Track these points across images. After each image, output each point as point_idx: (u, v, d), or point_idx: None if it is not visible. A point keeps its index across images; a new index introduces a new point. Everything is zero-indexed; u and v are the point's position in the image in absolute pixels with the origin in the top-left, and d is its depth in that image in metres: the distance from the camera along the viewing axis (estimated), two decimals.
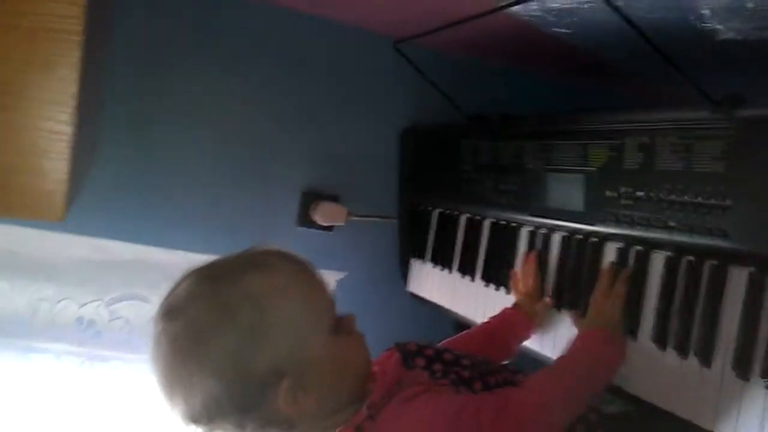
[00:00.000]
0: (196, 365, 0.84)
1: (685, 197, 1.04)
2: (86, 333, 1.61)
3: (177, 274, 0.93)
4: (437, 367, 1.05)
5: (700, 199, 1.02)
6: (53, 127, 0.98)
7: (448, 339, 1.33)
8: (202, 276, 0.90)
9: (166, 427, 1.90)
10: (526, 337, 1.35)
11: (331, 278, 1.82)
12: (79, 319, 1.60)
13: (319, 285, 0.94)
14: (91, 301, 1.60)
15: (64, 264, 1.56)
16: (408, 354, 1.06)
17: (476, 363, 1.09)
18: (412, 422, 0.92)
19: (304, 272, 0.94)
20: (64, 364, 1.65)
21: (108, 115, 1.57)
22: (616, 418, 1.23)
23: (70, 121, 0.97)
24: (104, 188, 1.56)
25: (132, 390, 1.74)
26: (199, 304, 0.86)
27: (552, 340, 1.33)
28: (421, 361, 1.05)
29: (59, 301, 1.58)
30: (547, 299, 1.33)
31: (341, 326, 0.94)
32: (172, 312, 0.87)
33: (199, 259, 0.95)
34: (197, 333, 0.85)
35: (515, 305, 1.37)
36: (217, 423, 0.87)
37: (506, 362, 1.29)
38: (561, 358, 1.11)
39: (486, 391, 1.03)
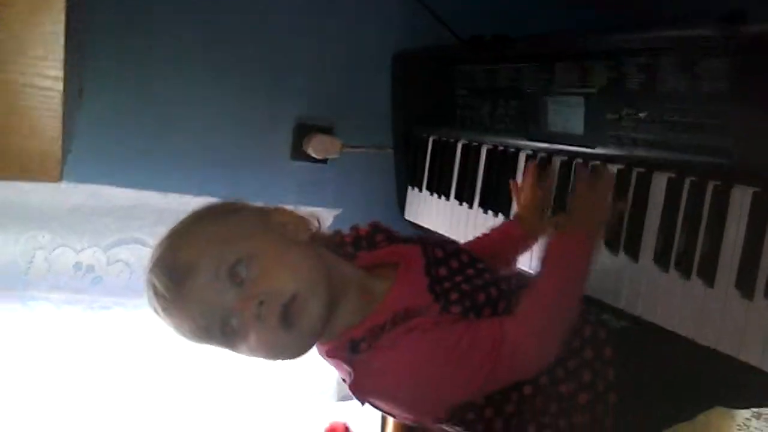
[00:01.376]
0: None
1: (689, 117, 1.02)
2: (85, 279, 1.60)
3: (172, 217, 0.95)
4: (459, 280, 1.05)
5: (703, 119, 1.00)
6: (42, 84, 0.93)
7: None
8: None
9: (170, 372, 1.94)
10: (526, 250, 1.33)
11: (327, 215, 1.81)
12: (77, 265, 1.60)
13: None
14: (88, 247, 1.59)
15: (58, 212, 1.54)
16: (433, 260, 1.07)
17: (492, 280, 1.09)
18: (404, 360, 0.95)
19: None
20: (64, 313, 1.65)
21: (93, 57, 1.52)
22: (624, 333, 1.22)
23: (59, 76, 0.93)
24: (95, 134, 1.53)
25: (136, 337, 1.75)
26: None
27: None
28: (444, 271, 1.06)
29: (55, 249, 1.57)
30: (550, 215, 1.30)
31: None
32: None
33: (195, 201, 0.99)
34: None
35: (515, 217, 1.35)
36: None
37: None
38: (540, 274, 1.08)
39: (493, 316, 1.03)
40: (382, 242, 1.15)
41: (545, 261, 1.07)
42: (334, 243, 1.12)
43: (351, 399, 1.04)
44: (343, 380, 1.03)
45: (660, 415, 1.21)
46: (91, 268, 1.61)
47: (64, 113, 0.94)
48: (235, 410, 2.09)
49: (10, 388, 1.71)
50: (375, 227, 1.18)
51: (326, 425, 2.23)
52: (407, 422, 1.09)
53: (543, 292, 1.04)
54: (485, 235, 1.37)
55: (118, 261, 1.61)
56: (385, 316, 0.97)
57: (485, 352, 0.95)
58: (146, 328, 1.77)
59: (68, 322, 1.70)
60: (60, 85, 0.94)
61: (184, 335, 0.95)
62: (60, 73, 0.93)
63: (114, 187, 1.54)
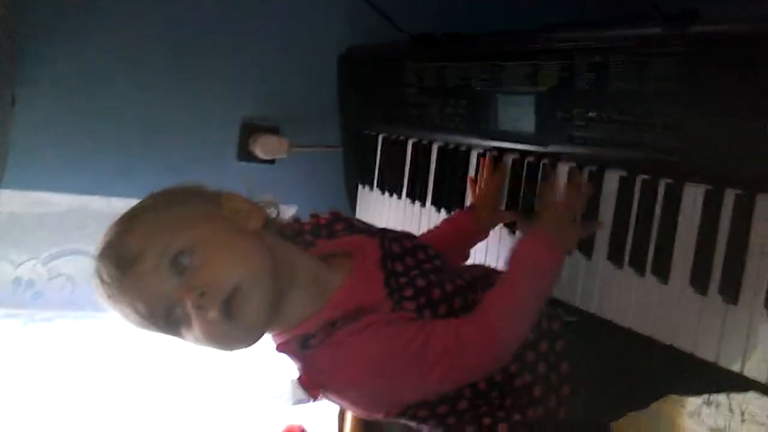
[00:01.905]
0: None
1: (640, 116, 1.02)
2: (26, 294, 1.53)
3: None
4: (414, 274, 1.04)
5: (654, 118, 1.00)
6: None
7: None
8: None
9: (120, 378, 1.88)
10: (478, 242, 1.33)
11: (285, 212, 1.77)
12: (17, 280, 1.52)
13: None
14: (27, 260, 1.52)
15: None
16: (389, 255, 1.05)
17: (448, 277, 1.07)
18: (354, 356, 0.94)
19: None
20: (5, 326, 1.58)
21: (24, 63, 1.45)
22: (576, 325, 1.21)
23: None
24: (32, 141, 1.46)
25: (79, 347, 1.70)
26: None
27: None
28: (400, 267, 1.04)
29: None
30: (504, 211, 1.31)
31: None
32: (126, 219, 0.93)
33: None
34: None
35: (469, 209, 1.34)
36: None
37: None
38: (503, 277, 1.07)
39: (449, 314, 1.02)
40: (341, 231, 1.13)
41: (511, 263, 1.06)
42: (292, 230, 1.09)
43: (306, 402, 1.02)
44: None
45: (614, 405, 1.22)
46: (31, 284, 1.54)
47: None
48: (189, 414, 2.05)
49: None
50: (335, 216, 1.16)
51: (282, 428, 2.21)
52: (359, 416, 1.08)
53: (504, 296, 1.03)
54: (437, 228, 1.36)
55: (59, 275, 1.54)
56: (337, 313, 0.95)
57: (439, 353, 0.94)
58: (91, 338, 1.72)
59: (9, 336, 1.64)
60: None
61: (131, 323, 0.92)
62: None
63: (54, 193, 1.47)
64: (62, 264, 1.56)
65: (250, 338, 0.93)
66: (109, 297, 0.90)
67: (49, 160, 1.49)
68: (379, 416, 1.05)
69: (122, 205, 0.95)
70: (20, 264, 1.51)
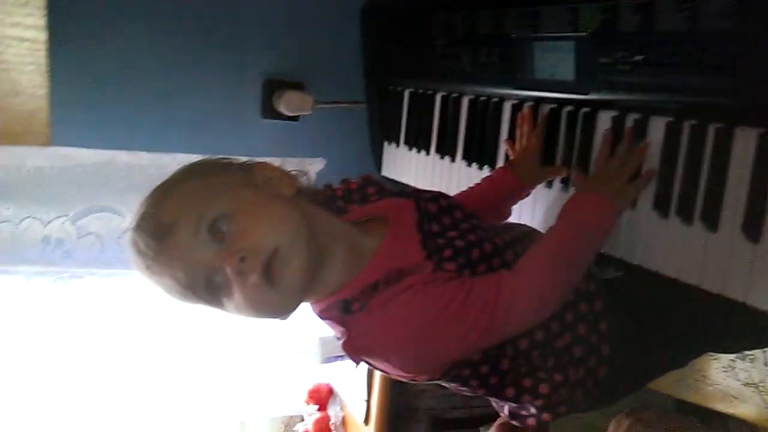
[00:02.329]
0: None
1: (689, 58, 0.98)
2: (55, 253, 1.52)
3: (143, 180, 0.93)
4: (452, 235, 1.02)
5: (705, 59, 0.96)
6: (24, 35, 0.83)
7: None
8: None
9: (151, 336, 1.89)
10: (519, 199, 1.29)
11: (310, 168, 1.75)
12: (46, 239, 1.51)
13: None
14: (56, 218, 1.50)
15: (20, 179, 1.44)
16: (425, 216, 1.03)
17: (486, 235, 1.05)
18: (397, 317, 0.93)
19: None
20: (34, 284, 1.58)
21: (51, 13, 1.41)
22: (614, 283, 1.22)
23: (42, 25, 0.83)
24: (60, 93, 1.42)
25: (109, 304, 1.69)
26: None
27: (544, 217, 1.30)
28: (436, 227, 1.02)
29: (21, 221, 1.48)
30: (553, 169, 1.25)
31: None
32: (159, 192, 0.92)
33: (165, 159, 0.93)
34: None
35: (508, 166, 1.30)
36: None
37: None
38: (550, 231, 1.06)
39: (488, 272, 1.00)
40: (373, 195, 1.11)
41: (560, 218, 1.05)
42: (324, 197, 1.08)
43: (334, 361, 1.02)
44: (338, 339, 1.00)
45: (653, 364, 1.22)
46: (60, 242, 1.52)
47: (50, 67, 0.84)
48: (217, 373, 2.06)
49: None
50: (366, 180, 1.14)
51: (310, 387, 2.22)
52: (402, 379, 1.07)
53: (548, 251, 1.01)
54: (476, 186, 1.32)
55: (88, 234, 1.53)
56: (377, 275, 0.94)
57: (480, 308, 0.93)
58: (120, 295, 1.72)
59: (39, 294, 1.64)
60: (43, 36, 0.84)
61: (171, 294, 0.92)
62: (43, 22, 0.84)
63: (80, 149, 1.45)
64: (91, 222, 1.54)
65: (290, 304, 0.93)
66: (147, 269, 0.89)
67: (76, 115, 1.47)
68: (422, 378, 1.03)
69: (149, 159, 0.93)
70: (49, 222, 1.50)
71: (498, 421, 1.29)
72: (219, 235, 0.86)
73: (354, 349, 0.96)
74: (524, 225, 1.22)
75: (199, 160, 0.98)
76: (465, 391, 1.07)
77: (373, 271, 0.95)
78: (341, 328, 0.97)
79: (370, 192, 1.12)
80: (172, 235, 0.86)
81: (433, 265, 0.97)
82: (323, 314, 0.99)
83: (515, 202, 1.29)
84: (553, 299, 1.00)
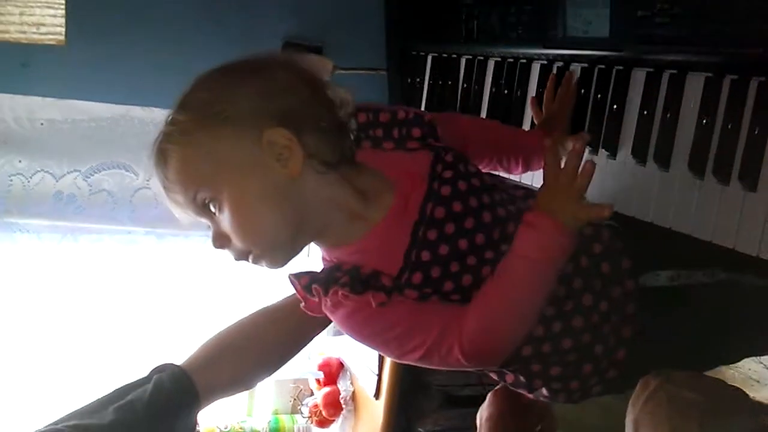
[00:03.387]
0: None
1: (733, 8, 0.94)
2: (67, 209, 1.49)
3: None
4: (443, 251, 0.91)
5: (748, 8, 0.92)
6: None
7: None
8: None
9: (155, 299, 1.87)
10: (527, 162, 1.18)
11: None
12: (57, 194, 1.48)
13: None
14: (68, 173, 1.47)
15: (32, 132, 1.41)
16: (429, 220, 0.92)
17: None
18: (345, 320, 0.92)
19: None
20: (45, 240, 1.56)
21: None
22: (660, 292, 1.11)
23: None
24: (76, 49, 1.39)
25: (120, 261, 1.67)
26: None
27: None
28: (432, 235, 0.91)
29: (33, 174, 1.45)
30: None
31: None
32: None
33: None
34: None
35: (535, 129, 1.24)
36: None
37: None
38: (503, 269, 0.91)
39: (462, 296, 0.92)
40: (413, 140, 1.00)
41: (513, 253, 0.91)
42: (358, 124, 0.98)
43: (343, 334, 0.98)
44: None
45: (706, 356, 1.16)
46: (72, 198, 1.49)
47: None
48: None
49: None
50: (419, 118, 1.02)
51: (320, 360, 2.19)
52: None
53: (495, 298, 0.91)
54: (500, 127, 1.27)
55: (101, 190, 1.50)
56: (354, 258, 0.91)
57: (418, 341, 0.89)
58: (131, 254, 1.70)
59: (50, 249, 1.63)
60: None
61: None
62: None
63: (94, 103, 1.42)
64: (103, 179, 1.51)
65: (276, 265, 0.92)
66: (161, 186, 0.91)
67: (90, 69, 1.44)
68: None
69: (163, 115, 0.89)
70: (61, 177, 1.47)
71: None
72: (207, 210, 0.88)
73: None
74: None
75: (223, 78, 0.92)
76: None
77: (354, 252, 0.92)
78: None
79: (414, 134, 1.01)
80: (170, 192, 0.89)
81: (396, 291, 0.89)
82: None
83: (535, 166, 1.19)
84: (501, 349, 0.92)
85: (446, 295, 0.91)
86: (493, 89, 1.45)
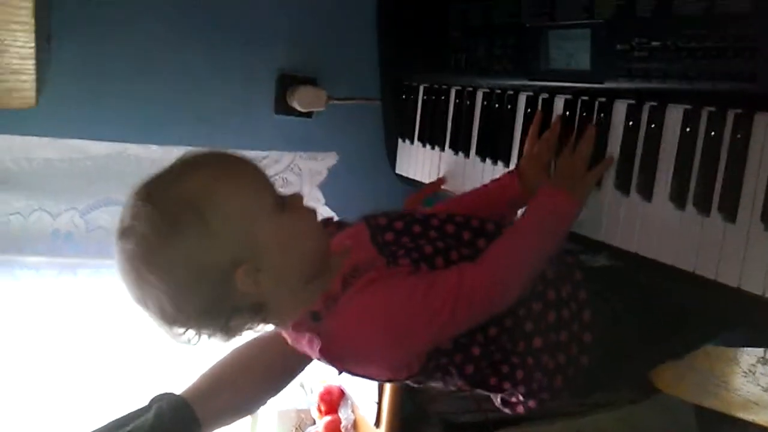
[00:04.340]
0: (153, 281, 0.88)
1: (708, 42, 0.95)
2: (64, 246, 1.52)
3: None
4: (405, 240, 1.04)
5: (724, 43, 0.93)
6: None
7: (441, 202, 1.30)
8: (142, 193, 0.91)
9: (152, 330, 1.88)
10: (523, 206, 1.23)
11: (323, 165, 1.73)
12: (55, 232, 1.51)
13: (252, 172, 0.95)
14: (66, 210, 1.50)
15: (30, 171, 1.43)
16: (377, 228, 1.05)
17: (445, 232, 1.08)
18: (363, 315, 0.96)
19: (234, 164, 0.95)
20: (44, 277, 1.58)
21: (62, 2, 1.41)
22: (602, 272, 1.23)
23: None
24: (67, 86, 1.42)
25: (119, 294, 1.68)
26: (141, 223, 0.88)
27: None
28: (390, 236, 1.05)
29: (31, 213, 1.48)
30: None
31: (287, 204, 0.95)
32: (122, 232, 0.90)
33: (177, 153, 0.93)
34: (146, 252, 0.87)
35: (515, 170, 1.26)
36: (194, 323, 0.91)
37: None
38: (513, 225, 1.10)
39: (447, 266, 1.02)
40: (333, 232, 1.10)
41: (524, 214, 1.10)
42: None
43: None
44: (318, 359, 1.02)
45: (643, 355, 1.24)
46: (69, 236, 1.52)
47: (35, 26, 0.84)
48: None
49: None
50: (325, 222, 1.14)
51: (321, 389, 2.19)
52: (386, 381, 1.09)
53: (510, 241, 1.05)
54: (483, 186, 1.30)
55: (98, 228, 1.52)
56: (338, 283, 0.97)
57: (443, 295, 0.96)
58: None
59: (49, 286, 1.65)
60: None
61: None
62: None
63: (90, 141, 1.44)
64: (100, 215, 1.53)
65: None
66: None
67: (84, 107, 1.46)
68: (404, 375, 1.04)
69: (160, 152, 0.92)
70: (58, 215, 1.49)
71: None
72: None
73: (330, 355, 0.98)
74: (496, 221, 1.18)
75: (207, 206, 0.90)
76: (450, 384, 1.08)
77: (336, 282, 0.98)
78: (313, 337, 0.98)
79: (330, 230, 1.11)
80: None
81: (386, 261, 1.00)
82: (295, 328, 1.00)
83: (518, 207, 1.24)
84: (514, 286, 1.02)
85: (432, 258, 1.01)
86: (482, 120, 1.46)
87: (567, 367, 1.10)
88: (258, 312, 0.94)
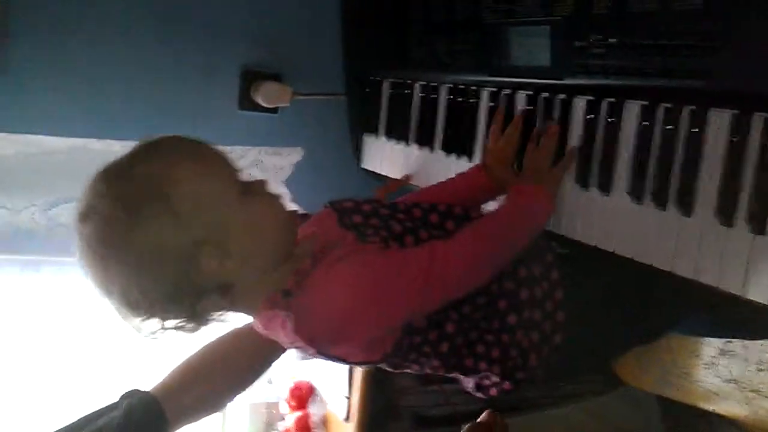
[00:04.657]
0: (116, 264, 0.86)
1: (662, 40, 0.97)
2: (26, 243, 1.49)
3: None
4: (373, 221, 1.05)
5: (678, 41, 0.95)
6: None
7: (407, 194, 1.29)
8: (103, 175, 0.89)
9: (119, 325, 1.86)
10: (491, 199, 1.27)
11: (288, 161, 1.72)
12: (16, 230, 1.48)
13: (216, 155, 0.95)
14: (26, 207, 1.47)
15: None
16: (344, 211, 1.06)
17: (413, 215, 1.10)
18: (335, 287, 0.95)
19: (198, 147, 0.94)
20: (7, 273, 1.55)
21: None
22: (572, 257, 1.22)
23: None
24: (25, 80, 1.39)
25: (84, 289, 1.66)
26: (103, 203, 0.86)
27: None
28: (358, 218, 1.05)
29: None
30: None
31: (251, 189, 0.95)
32: (82, 215, 0.88)
33: None
34: (109, 233, 0.86)
35: (481, 165, 1.27)
36: (158, 309, 0.89)
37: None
38: (488, 215, 1.13)
39: (417, 245, 1.03)
40: (298, 224, 1.08)
41: (499, 207, 1.13)
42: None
43: (311, 358, 1.00)
44: (290, 344, 1.00)
45: (613, 338, 1.27)
46: (31, 233, 1.49)
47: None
48: None
49: None
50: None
51: (290, 385, 2.19)
52: (359, 365, 1.09)
53: (483, 226, 1.07)
54: (450, 181, 1.30)
55: (59, 225, 1.50)
56: (307, 261, 0.97)
57: (415, 269, 0.97)
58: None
59: (13, 282, 1.62)
60: None
61: None
62: None
63: (50, 137, 1.41)
64: (61, 212, 1.51)
65: None
66: None
67: (44, 102, 1.44)
68: (378, 356, 1.03)
69: (121, 147, 0.91)
70: (18, 212, 1.47)
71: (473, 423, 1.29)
72: None
73: (303, 334, 0.95)
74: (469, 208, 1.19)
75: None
76: (426, 366, 1.08)
77: (306, 260, 0.97)
78: (285, 313, 0.95)
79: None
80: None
81: (356, 237, 1.00)
82: (265, 307, 0.97)
83: (484, 201, 1.26)
84: (485, 267, 1.03)
85: (401, 237, 1.03)
86: (447, 115, 1.47)
87: (541, 346, 1.12)
88: (225, 294, 0.92)
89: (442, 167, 1.50)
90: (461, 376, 1.15)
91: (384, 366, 1.07)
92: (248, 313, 1.00)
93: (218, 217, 0.89)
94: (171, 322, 0.92)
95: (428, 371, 1.10)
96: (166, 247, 0.86)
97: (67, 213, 1.51)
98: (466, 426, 1.27)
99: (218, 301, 0.92)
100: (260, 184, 0.97)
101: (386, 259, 0.98)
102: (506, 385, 1.12)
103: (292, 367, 2.16)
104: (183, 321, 0.92)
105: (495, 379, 1.11)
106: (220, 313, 0.96)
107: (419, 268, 0.97)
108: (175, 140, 0.93)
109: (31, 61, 1.41)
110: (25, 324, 1.73)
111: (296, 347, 0.99)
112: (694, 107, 0.96)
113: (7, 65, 1.33)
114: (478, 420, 1.29)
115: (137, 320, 0.91)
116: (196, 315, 0.92)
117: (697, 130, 0.96)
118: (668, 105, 1.00)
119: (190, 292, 0.89)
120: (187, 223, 0.87)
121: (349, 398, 1.96)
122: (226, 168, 0.94)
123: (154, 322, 0.92)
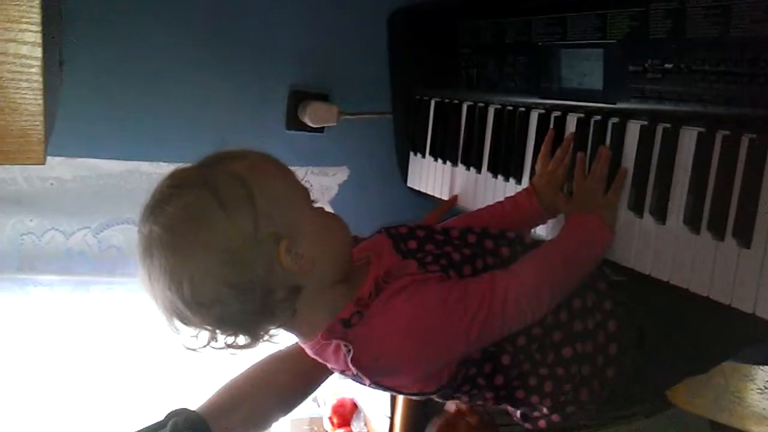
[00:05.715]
0: (202, 246, 0.86)
1: (722, 66, 0.94)
2: (77, 265, 1.52)
3: None
4: (429, 247, 1.04)
5: (738, 67, 0.92)
6: (18, 51, 0.82)
7: (456, 217, 1.28)
8: (182, 170, 0.91)
9: (166, 345, 1.88)
10: (540, 223, 1.26)
11: (334, 180, 1.73)
12: (68, 252, 1.51)
13: (291, 170, 0.97)
14: (79, 230, 1.50)
15: (43, 191, 1.44)
16: (399, 238, 1.05)
17: (467, 241, 1.09)
18: (396, 321, 0.93)
19: (271, 156, 0.97)
20: (58, 293, 1.59)
21: (74, 25, 1.42)
22: (625, 284, 1.19)
23: (37, 42, 0.81)
24: (80, 106, 1.42)
25: (132, 309, 1.68)
26: (186, 190, 0.88)
27: None
28: (413, 244, 1.04)
29: (44, 233, 1.49)
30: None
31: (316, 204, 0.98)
32: (160, 203, 0.88)
33: None
34: (193, 216, 0.87)
35: (532, 187, 1.25)
36: (225, 301, 0.87)
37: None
38: (548, 243, 1.10)
39: (474, 275, 1.02)
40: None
41: (558, 235, 1.10)
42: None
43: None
44: (341, 372, 1.00)
45: (667, 369, 1.21)
46: (83, 255, 1.52)
47: (44, 84, 0.83)
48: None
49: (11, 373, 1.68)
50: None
51: (334, 401, 2.19)
52: (413, 396, 1.10)
53: (543, 255, 1.05)
54: (500, 204, 1.28)
55: (110, 247, 1.53)
56: (368, 288, 0.95)
57: (478, 300, 0.96)
58: (143, 302, 1.72)
59: (64, 303, 1.65)
60: (38, 52, 0.83)
61: None
62: (37, 38, 0.82)
63: (102, 160, 1.45)
64: (113, 234, 1.54)
65: None
66: None
67: (96, 126, 1.47)
68: (432, 386, 1.02)
69: (170, 169, 0.91)
70: (71, 234, 1.50)
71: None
72: None
73: (361, 365, 0.94)
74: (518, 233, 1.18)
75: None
76: (478, 398, 1.06)
77: (365, 287, 0.96)
78: (345, 345, 0.94)
79: None
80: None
81: (417, 265, 0.99)
82: (324, 338, 0.95)
83: (534, 226, 1.26)
84: (545, 299, 1.01)
85: (460, 266, 1.01)
86: (494, 136, 1.45)
87: (592, 379, 1.09)
88: (292, 297, 0.91)
89: (488, 189, 1.49)
90: (510, 408, 1.12)
91: (435, 397, 1.06)
92: (304, 331, 0.99)
93: (293, 218, 0.91)
94: (222, 336, 0.92)
95: (479, 402, 1.08)
96: (250, 234, 0.87)
97: (118, 235, 1.54)
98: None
99: (285, 300, 0.91)
100: (323, 208, 1.00)
101: (448, 292, 0.96)
102: (555, 417, 1.10)
103: (336, 383, 2.16)
104: (238, 331, 0.92)
105: (545, 411, 1.09)
106: (275, 328, 0.95)
107: (481, 301, 0.96)
108: (247, 150, 0.96)
109: (86, 87, 1.44)
110: (75, 343, 1.76)
111: (348, 375, 0.99)
112: (753, 135, 0.93)
113: (64, 91, 1.36)
114: None
115: (189, 329, 0.92)
116: (264, 311, 0.90)
117: (757, 159, 0.93)
118: (726, 132, 0.97)
119: (264, 284, 0.89)
120: (269, 215, 0.88)
121: (391, 417, 1.95)
122: (299, 180, 0.97)
123: (205, 335, 0.92)
